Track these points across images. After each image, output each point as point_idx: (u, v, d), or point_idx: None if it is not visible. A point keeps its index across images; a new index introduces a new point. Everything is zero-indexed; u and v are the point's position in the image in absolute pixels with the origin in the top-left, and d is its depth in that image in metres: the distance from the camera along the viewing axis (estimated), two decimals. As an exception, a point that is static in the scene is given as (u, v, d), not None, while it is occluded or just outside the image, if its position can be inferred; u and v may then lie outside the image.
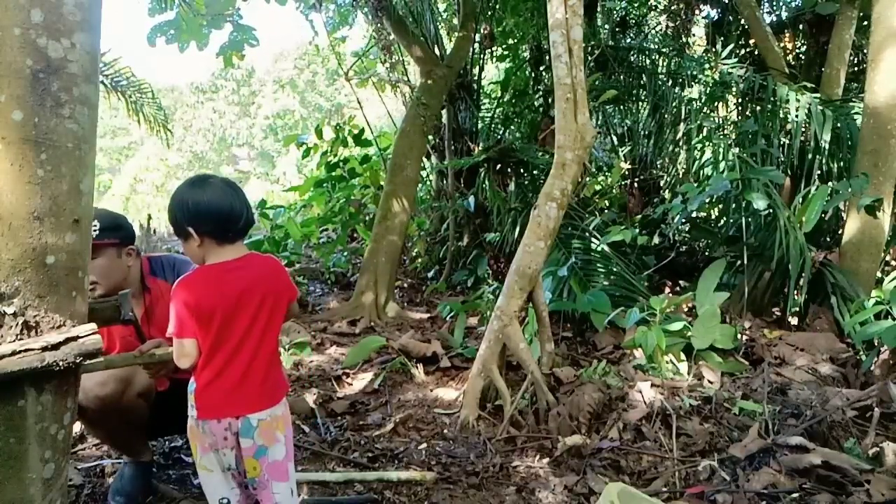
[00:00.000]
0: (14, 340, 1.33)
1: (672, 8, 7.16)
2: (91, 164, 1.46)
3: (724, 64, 5.61)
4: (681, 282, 5.30)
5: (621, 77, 6.47)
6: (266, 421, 1.66)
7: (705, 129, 5.72)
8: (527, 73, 7.34)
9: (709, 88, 5.81)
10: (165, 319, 2.43)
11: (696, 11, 7.18)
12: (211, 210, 1.62)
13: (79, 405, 2.03)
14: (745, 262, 4.25)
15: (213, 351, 1.64)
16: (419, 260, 7.14)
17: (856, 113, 4.85)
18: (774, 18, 7.29)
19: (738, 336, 3.71)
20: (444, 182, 6.89)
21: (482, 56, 7.17)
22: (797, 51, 6.90)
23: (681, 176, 6.35)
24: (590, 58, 6.14)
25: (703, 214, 5.95)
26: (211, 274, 1.65)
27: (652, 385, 3.15)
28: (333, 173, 7.07)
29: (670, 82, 6.22)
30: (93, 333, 1.40)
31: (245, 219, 1.67)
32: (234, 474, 1.71)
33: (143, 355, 1.90)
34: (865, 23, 5.36)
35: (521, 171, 6.31)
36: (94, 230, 2.21)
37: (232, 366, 1.64)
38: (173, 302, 1.66)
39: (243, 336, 1.64)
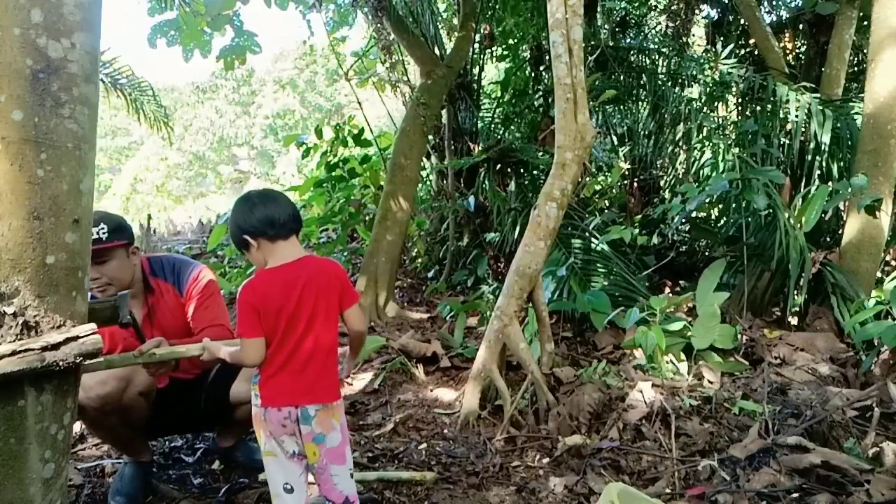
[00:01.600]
0: (14, 340, 1.33)
1: (672, 8, 7.16)
2: (91, 164, 1.46)
3: (724, 64, 5.61)
4: (681, 282, 5.30)
5: (621, 77, 6.47)
6: (323, 410, 1.82)
7: (705, 129, 5.72)
8: (527, 73, 7.33)
9: (709, 88, 5.82)
10: (167, 319, 2.44)
11: (696, 11, 7.18)
12: (257, 214, 1.83)
13: (79, 404, 2.03)
14: (745, 262, 4.25)
15: (278, 346, 1.80)
16: (419, 260, 7.13)
17: (856, 113, 4.85)
18: (774, 18, 7.30)
19: (738, 336, 3.71)
20: (444, 182, 6.88)
21: (482, 56, 7.16)
22: (797, 51, 6.90)
23: (681, 176, 6.35)
24: (590, 58, 6.14)
25: (703, 214, 5.95)
26: (273, 275, 1.82)
27: (652, 385, 3.15)
28: (333, 173, 7.06)
29: (670, 82, 6.21)
30: (93, 333, 1.40)
31: (289, 215, 1.85)
32: (298, 459, 1.85)
33: (144, 355, 1.90)
34: (865, 23, 5.35)
35: (521, 171, 6.30)
36: (104, 233, 2.23)
37: (294, 360, 1.80)
38: (239, 303, 1.78)
39: (304, 332, 1.80)
